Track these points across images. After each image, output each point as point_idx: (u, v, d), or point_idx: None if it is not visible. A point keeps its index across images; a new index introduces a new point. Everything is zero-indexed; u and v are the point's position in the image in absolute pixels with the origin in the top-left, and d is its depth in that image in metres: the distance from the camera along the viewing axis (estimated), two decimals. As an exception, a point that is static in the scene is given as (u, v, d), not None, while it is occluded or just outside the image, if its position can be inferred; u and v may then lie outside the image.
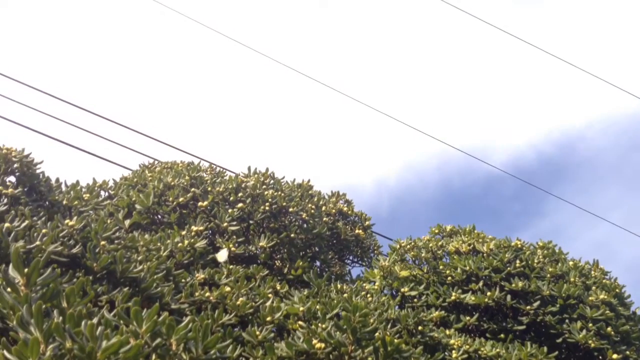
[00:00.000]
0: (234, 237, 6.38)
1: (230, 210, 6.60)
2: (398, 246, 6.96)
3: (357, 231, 7.63)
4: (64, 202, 5.23)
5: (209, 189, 6.86)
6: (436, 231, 7.60)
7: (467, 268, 6.35)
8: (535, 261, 6.62)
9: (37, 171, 5.23)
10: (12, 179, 5.07)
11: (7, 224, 4.19)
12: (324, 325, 4.47)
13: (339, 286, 5.70)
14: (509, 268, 6.37)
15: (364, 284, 6.32)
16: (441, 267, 6.50)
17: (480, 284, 6.25)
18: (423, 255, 6.75)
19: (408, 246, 6.89)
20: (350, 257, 7.78)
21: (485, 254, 6.58)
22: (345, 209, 7.75)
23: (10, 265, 3.19)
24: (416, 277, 6.46)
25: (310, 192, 7.61)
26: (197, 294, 5.06)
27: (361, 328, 4.21)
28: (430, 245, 6.83)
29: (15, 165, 5.03)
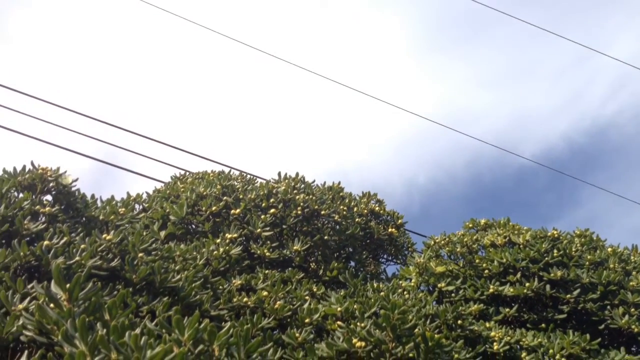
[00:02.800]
0: (268, 242, 6.42)
1: (262, 217, 6.64)
2: (432, 242, 6.93)
3: (390, 230, 7.62)
4: (101, 217, 5.32)
5: (241, 196, 6.91)
6: (470, 225, 7.55)
7: (504, 260, 6.29)
8: (573, 250, 6.53)
9: (73, 189, 5.33)
10: (49, 197, 5.18)
11: (46, 242, 4.28)
12: (362, 324, 4.48)
13: (375, 285, 5.71)
14: (546, 258, 6.30)
15: (400, 282, 6.31)
16: (477, 260, 6.45)
17: (518, 275, 6.19)
18: (458, 250, 6.71)
19: (442, 242, 6.86)
20: (385, 256, 7.77)
21: (521, 246, 6.52)
22: (377, 208, 7.74)
23: (52, 282, 3.26)
24: (452, 272, 6.43)
25: (341, 194, 7.63)
26: (235, 299, 5.12)
27: (400, 325, 4.21)
28: (465, 239, 6.79)
29: (51, 184, 5.14)
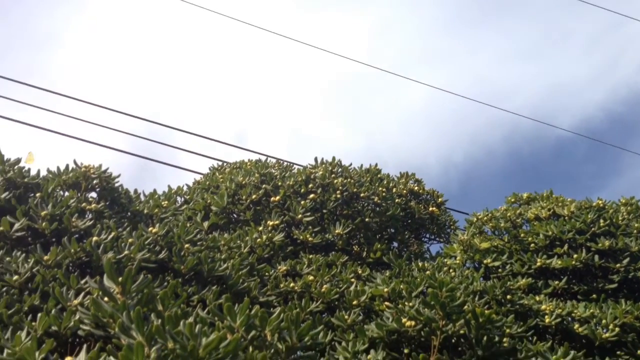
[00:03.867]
0: (310, 227, 6.43)
1: (302, 202, 6.65)
2: (475, 219, 6.86)
3: (430, 209, 7.57)
4: (145, 211, 5.40)
5: (279, 183, 6.93)
6: (512, 200, 7.45)
7: (550, 233, 6.20)
8: (620, 218, 6.40)
9: (116, 185, 5.41)
10: (94, 194, 5.27)
11: (95, 238, 4.36)
12: (411, 304, 4.46)
13: (420, 264, 5.68)
14: (593, 228, 6.18)
15: (445, 260, 6.26)
16: (522, 235, 6.37)
17: (565, 247, 6.09)
18: (502, 225, 6.63)
19: (485, 218, 6.78)
20: (427, 235, 7.73)
21: (566, 217, 6.41)
22: (416, 188, 7.69)
23: (104, 276, 3.31)
24: (497, 247, 6.36)
25: (379, 175, 7.60)
26: (282, 285, 5.15)
27: (449, 303, 4.17)
28: (509, 214, 6.70)
29: (95, 182, 5.22)
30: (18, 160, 4.98)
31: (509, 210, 6.88)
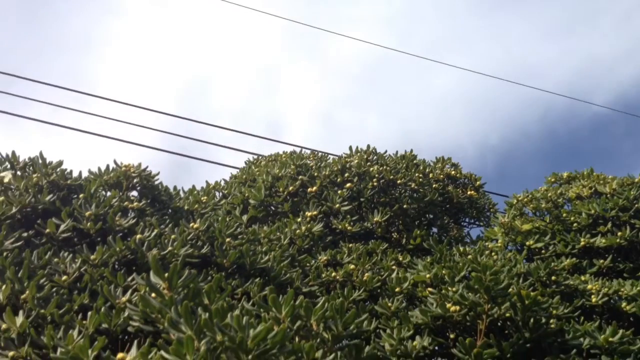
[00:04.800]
0: (348, 216, 6.44)
1: (339, 192, 6.66)
2: (515, 201, 6.77)
3: (469, 192, 7.50)
4: (185, 207, 5.47)
5: (315, 174, 6.95)
6: (552, 180, 7.34)
7: (592, 212, 6.10)
8: (664, 193, 6.26)
9: (155, 182, 5.49)
10: (135, 193, 5.35)
11: (138, 235, 4.43)
12: (454, 289, 4.45)
13: (461, 249, 5.64)
14: (636, 205, 6.06)
15: (486, 243, 6.20)
16: (564, 214, 6.27)
17: (609, 225, 5.99)
18: (543, 205, 6.53)
19: (525, 199, 6.69)
20: (466, 219, 7.66)
21: (609, 195, 6.30)
22: (453, 172, 7.63)
23: (151, 272, 3.37)
24: (539, 228, 6.27)
25: (414, 161, 7.56)
26: (323, 275, 5.17)
27: (494, 286, 4.14)
28: (549, 194, 6.60)
29: (136, 180, 5.31)
30: (60, 163, 5.08)
31: (549, 190, 6.78)
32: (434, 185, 7.23)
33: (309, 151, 8.35)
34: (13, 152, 5.11)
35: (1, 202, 4.41)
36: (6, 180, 4.98)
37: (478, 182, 7.72)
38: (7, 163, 5.07)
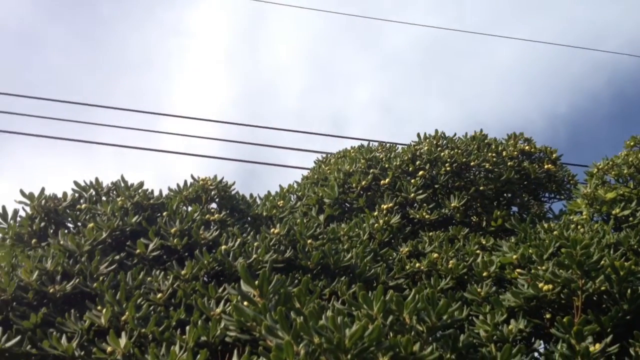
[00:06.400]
0: (424, 205, 6.39)
1: (412, 181, 6.61)
2: (595, 169, 6.54)
3: (546, 166, 7.31)
4: (264, 213, 5.55)
5: (386, 165, 6.92)
6: (631, 144, 7.05)
7: (679, 172, 5.84)
8: None
9: (232, 192, 5.60)
10: (214, 205, 5.48)
11: (223, 246, 4.54)
12: (544, 267, 4.35)
13: (545, 225, 5.50)
14: None
15: (571, 217, 6.03)
16: (649, 178, 6.03)
17: (699, 184, 5.73)
18: (625, 171, 6.29)
19: (606, 167, 6.46)
20: (546, 194, 7.46)
21: (695, 152, 6.02)
22: (527, 148, 7.45)
23: (241, 281, 3.45)
24: (624, 195, 6.04)
25: (486, 141, 7.42)
26: (407, 267, 5.15)
27: (586, 260, 4.03)
28: (630, 159, 6.35)
29: (214, 192, 5.43)
30: (141, 184, 5.25)
31: (630, 154, 6.52)
32: (508, 163, 7.08)
33: (376, 144, 8.32)
34: (96, 179, 5.32)
35: (91, 228, 4.59)
36: None
37: (554, 155, 7.51)
38: (91, 190, 5.28)
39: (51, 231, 4.90)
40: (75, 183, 5.28)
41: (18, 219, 4.95)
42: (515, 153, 7.30)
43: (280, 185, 6.85)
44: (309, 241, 4.87)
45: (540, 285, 4.15)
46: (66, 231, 4.76)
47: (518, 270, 4.66)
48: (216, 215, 5.01)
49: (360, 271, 4.66)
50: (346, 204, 6.96)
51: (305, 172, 8.40)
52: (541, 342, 4.30)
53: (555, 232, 5.17)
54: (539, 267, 4.36)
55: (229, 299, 3.87)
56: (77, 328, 3.77)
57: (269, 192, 6.26)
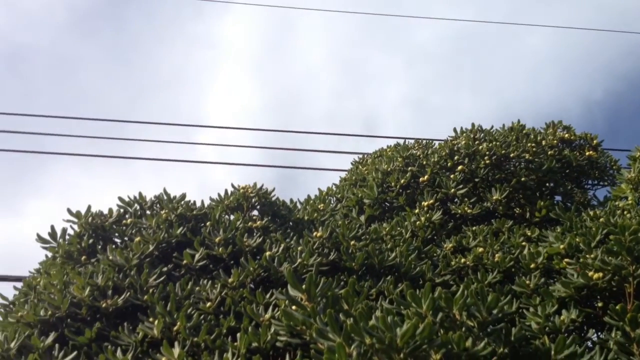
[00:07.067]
0: (466, 199, 6.34)
1: (452, 176, 6.57)
2: (638, 153, 6.41)
3: (587, 153, 7.18)
4: (305, 217, 5.58)
5: (424, 162, 6.89)
6: (675, 124, 6.89)
7: None
8: None
9: (273, 199, 5.64)
10: (255, 212, 5.53)
11: (268, 252, 4.57)
12: (592, 255, 4.28)
13: (591, 213, 5.41)
14: None
15: (616, 203, 5.91)
16: (695, 159, 5.88)
17: None
18: (670, 153, 6.15)
19: (649, 149, 6.32)
20: (589, 182, 7.33)
21: None
22: (566, 135, 7.34)
23: (288, 286, 3.47)
24: (670, 177, 5.91)
25: (524, 131, 7.32)
26: (452, 262, 5.12)
27: (635, 246, 3.95)
28: (675, 140, 6.21)
29: (254, 200, 5.48)
30: (184, 196, 5.33)
31: (674, 136, 6.38)
32: (549, 153, 6.98)
33: (412, 141, 8.28)
34: (140, 193, 5.41)
35: (138, 242, 4.68)
36: None
37: (595, 141, 7.38)
38: (136, 204, 5.37)
39: (99, 247, 5.00)
40: (120, 199, 5.39)
41: (67, 237, 5.07)
42: (555, 142, 7.20)
43: (319, 189, 6.88)
44: (352, 242, 4.88)
45: (590, 273, 4.08)
46: (114, 246, 4.86)
47: (566, 260, 4.59)
48: (258, 222, 5.05)
49: (406, 270, 4.65)
50: (386, 203, 6.95)
51: (341, 174, 8.41)
52: (594, 331, 4.23)
53: (601, 219, 5.07)
54: (587, 256, 4.29)
55: (277, 304, 3.90)
56: (131, 340, 3.84)
57: (308, 196, 6.29)
